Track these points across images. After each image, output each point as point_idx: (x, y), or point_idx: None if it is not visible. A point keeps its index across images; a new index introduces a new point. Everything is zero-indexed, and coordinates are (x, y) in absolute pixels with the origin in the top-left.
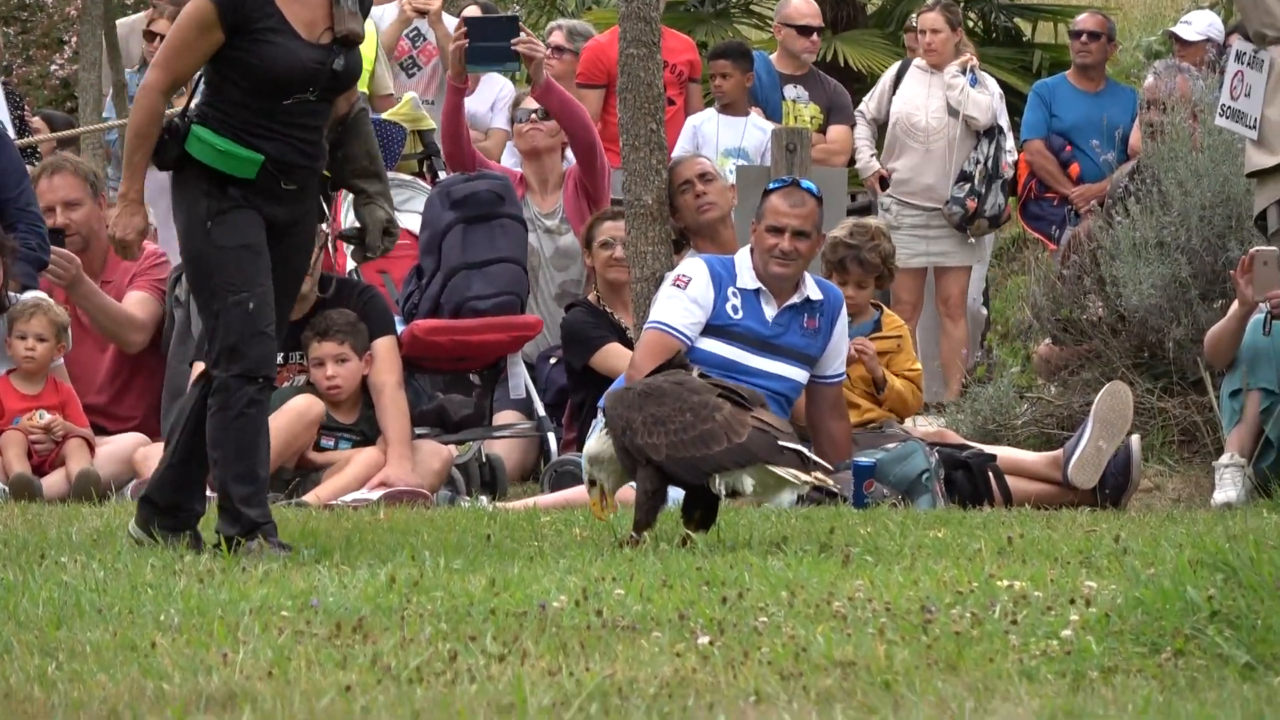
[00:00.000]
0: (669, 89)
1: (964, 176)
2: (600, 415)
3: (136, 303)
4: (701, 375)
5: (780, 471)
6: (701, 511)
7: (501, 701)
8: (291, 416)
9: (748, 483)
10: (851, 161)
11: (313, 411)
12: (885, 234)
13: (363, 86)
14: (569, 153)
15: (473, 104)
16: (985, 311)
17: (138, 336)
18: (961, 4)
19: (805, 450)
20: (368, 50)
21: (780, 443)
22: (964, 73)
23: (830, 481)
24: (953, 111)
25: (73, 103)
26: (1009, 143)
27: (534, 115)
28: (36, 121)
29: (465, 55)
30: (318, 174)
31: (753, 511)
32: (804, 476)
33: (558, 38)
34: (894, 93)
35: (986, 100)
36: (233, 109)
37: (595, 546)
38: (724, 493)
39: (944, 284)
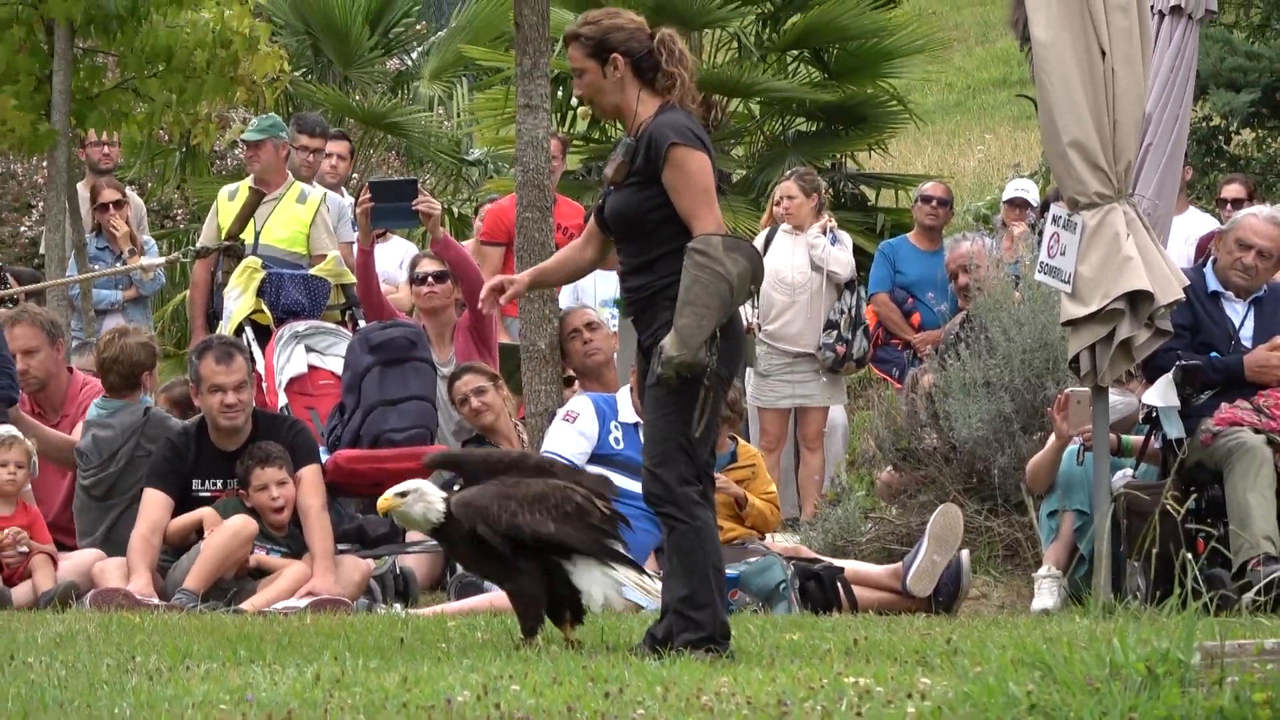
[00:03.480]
0: (559, 248)
1: (831, 324)
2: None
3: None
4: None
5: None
6: (570, 611)
7: None
8: (229, 535)
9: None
10: None
11: (247, 530)
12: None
13: (300, 246)
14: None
15: (385, 264)
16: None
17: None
18: (818, 171)
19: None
20: (307, 215)
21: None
22: (825, 233)
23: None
24: (815, 267)
25: (39, 260)
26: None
27: (430, 278)
28: (8, 277)
29: (370, 214)
30: None
31: (631, 617)
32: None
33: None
34: (764, 254)
35: (846, 257)
36: None
37: (495, 648)
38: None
39: (805, 421)
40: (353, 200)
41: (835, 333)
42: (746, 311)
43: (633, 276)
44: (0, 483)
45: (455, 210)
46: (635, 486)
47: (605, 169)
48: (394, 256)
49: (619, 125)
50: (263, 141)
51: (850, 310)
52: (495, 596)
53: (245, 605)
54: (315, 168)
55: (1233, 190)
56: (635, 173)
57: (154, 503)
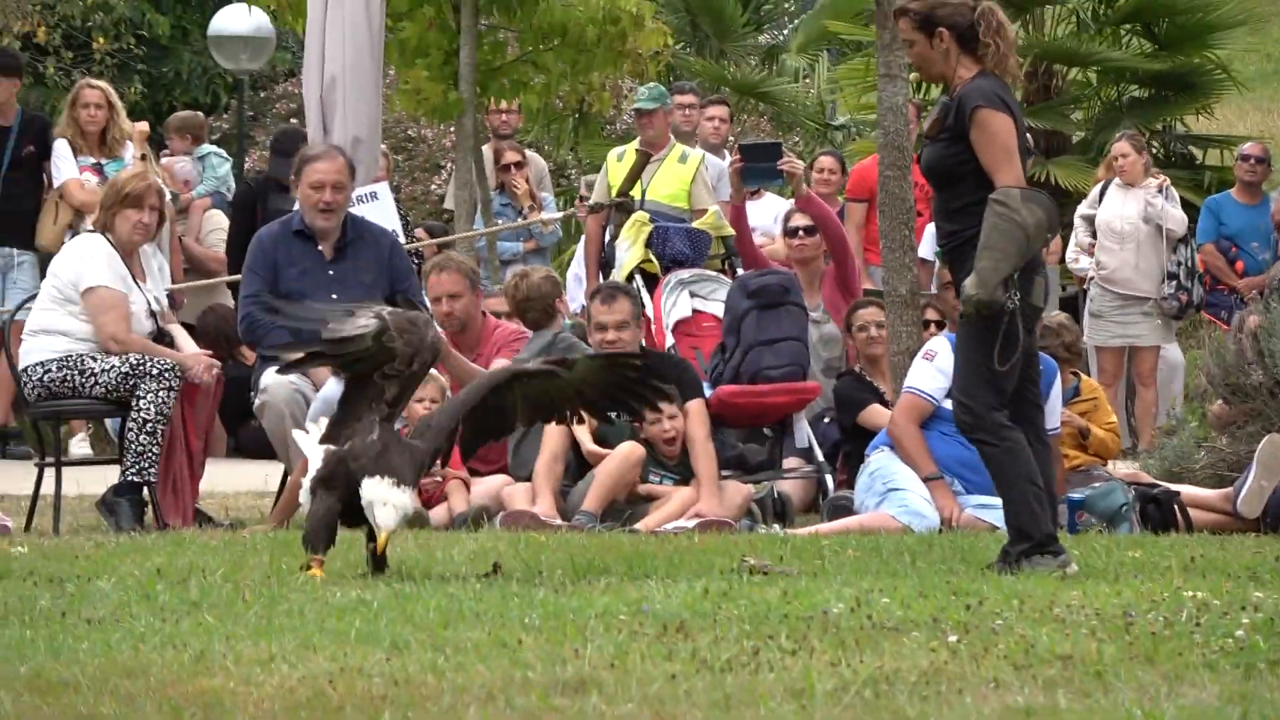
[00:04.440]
0: (918, 203)
1: (1171, 276)
2: None
3: (502, 366)
4: None
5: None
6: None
7: (795, 687)
8: (620, 460)
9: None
10: (1061, 260)
11: (635, 455)
12: (1068, 328)
13: (683, 202)
14: None
15: (762, 218)
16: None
17: None
18: (1147, 135)
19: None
20: (688, 174)
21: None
22: (1160, 192)
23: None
24: (1146, 219)
25: (448, 215)
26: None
27: (801, 231)
28: (419, 231)
29: (741, 174)
30: None
31: (988, 536)
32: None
33: (825, 162)
34: (1099, 205)
35: (1179, 214)
36: None
37: (865, 564)
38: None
39: (1137, 359)
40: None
41: (1176, 282)
42: (1083, 259)
43: (945, 223)
44: (414, 417)
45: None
46: None
47: (925, 124)
48: (769, 211)
49: None
50: (654, 110)
51: (1186, 262)
52: (866, 518)
53: (639, 526)
54: (694, 123)
55: None
56: (946, 129)
57: (556, 431)
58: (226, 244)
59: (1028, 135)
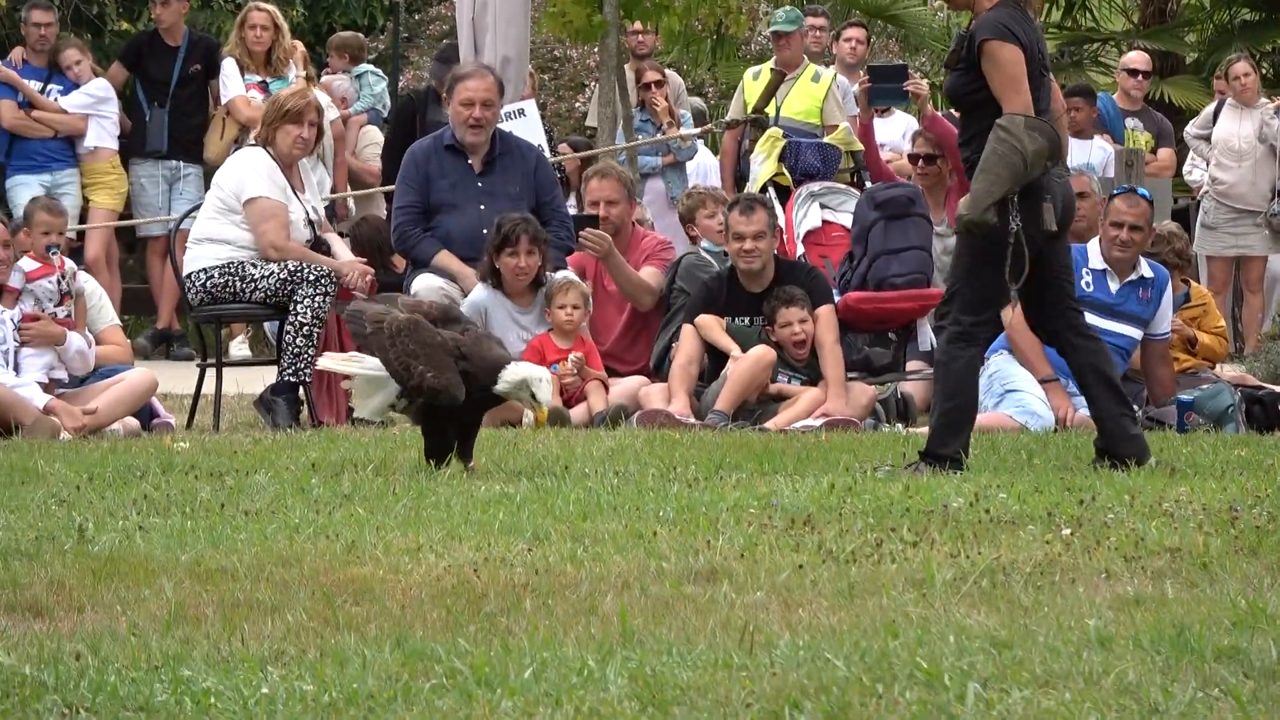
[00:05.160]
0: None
1: (1276, 193)
2: None
3: (649, 275)
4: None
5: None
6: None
7: (915, 577)
8: (752, 362)
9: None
10: (1176, 174)
11: (767, 358)
12: (1179, 235)
13: (814, 118)
14: None
15: (891, 135)
16: None
17: (649, 300)
18: (1258, 56)
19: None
20: (820, 92)
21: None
22: (1276, 114)
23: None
24: (1261, 139)
25: (591, 131)
26: None
27: (921, 161)
28: (564, 146)
29: (868, 94)
30: None
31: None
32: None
33: None
34: (1214, 123)
35: None
36: None
37: (983, 461)
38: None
39: (1246, 268)
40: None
41: None
42: (1199, 173)
43: (964, 148)
44: (560, 321)
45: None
46: (1107, 325)
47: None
48: (897, 128)
49: (1087, 13)
50: (790, 32)
51: None
52: (984, 417)
53: (769, 424)
54: (824, 44)
55: None
56: (961, 59)
57: (692, 334)
58: (382, 152)
59: (1045, 55)
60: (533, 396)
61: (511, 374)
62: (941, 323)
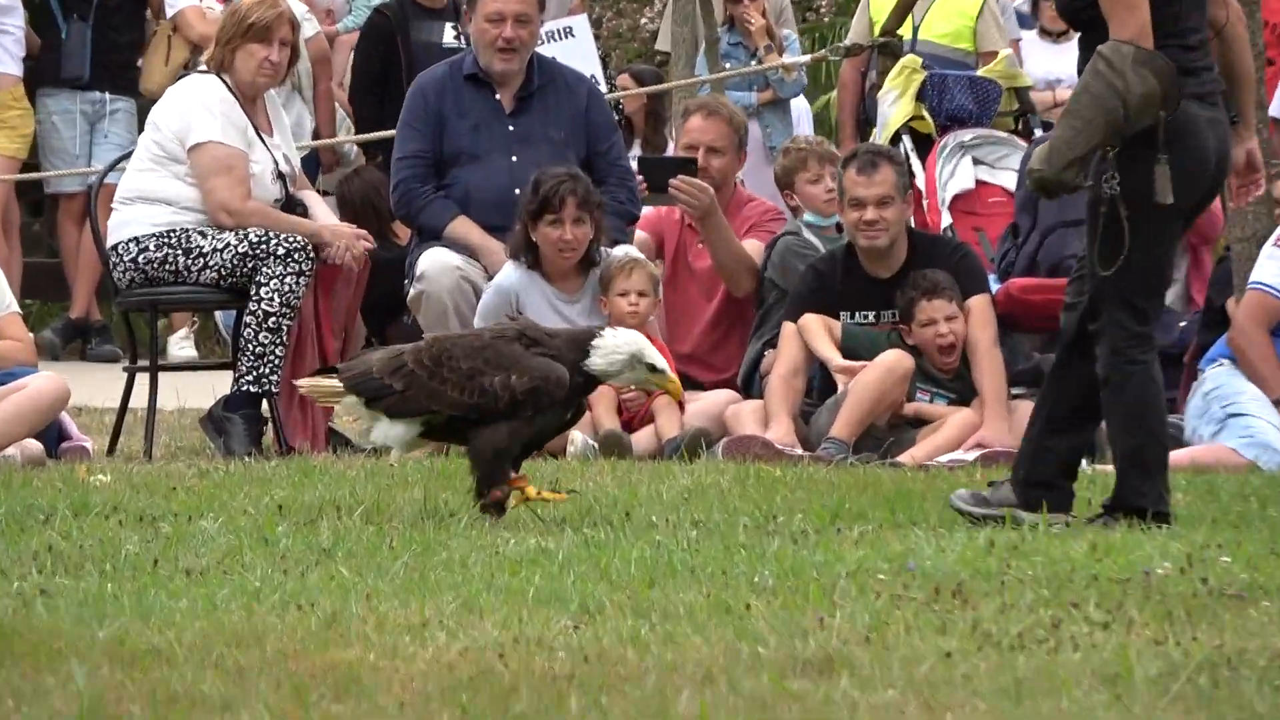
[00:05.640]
0: (1269, 49)
1: None
2: None
3: (751, 249)
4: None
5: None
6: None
7: (1107, 671)
8: (881, 372)
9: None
10: None
11: (902, 366)
12: None
13: (966, 43)
14: None
15: (1068, 68)
16: None
17: (748, 280)
18: None
19: None
20: (973, 6)
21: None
22: None
23: None
24: None
25: (661, 57)
26: None
27: None
28: (624, 78)
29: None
30: None
31: None
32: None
33: None
34: None
35: None
36: None
37: (1199, 511)
38: None
39: None
40: None
41: None
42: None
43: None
44: (621, 313)
45: None
46: None
47: None
48: (1072, 59)
49: None
50: None
51: None
52: (1199, 451)
53: (903, 457)
54: None
55: None
56: None
57: (795, 338)
58: (350, 88)
59: None
60: (651, 368)
61: (608, 343)
62: (1095, 325)
